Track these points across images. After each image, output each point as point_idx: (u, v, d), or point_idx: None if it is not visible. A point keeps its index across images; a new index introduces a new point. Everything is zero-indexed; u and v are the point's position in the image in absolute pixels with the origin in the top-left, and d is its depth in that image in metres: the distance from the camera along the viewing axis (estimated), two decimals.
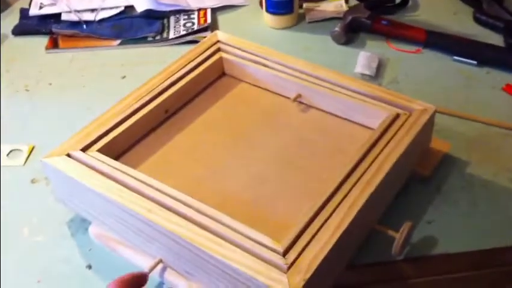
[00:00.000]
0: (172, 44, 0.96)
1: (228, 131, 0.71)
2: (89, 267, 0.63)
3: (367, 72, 0.87)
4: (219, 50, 0.79)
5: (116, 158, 0.67)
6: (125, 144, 0.68)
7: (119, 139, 0.67)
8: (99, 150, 0.64)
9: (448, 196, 0.69)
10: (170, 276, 0.60)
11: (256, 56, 0.77)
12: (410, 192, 0.69)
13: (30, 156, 0.77)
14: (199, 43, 0.80)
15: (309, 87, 0.73)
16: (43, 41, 0.98)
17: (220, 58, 0.78)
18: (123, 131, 0.67)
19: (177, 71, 0.75)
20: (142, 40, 0.97)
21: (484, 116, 0.80)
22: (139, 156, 0.68)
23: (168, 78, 0.74)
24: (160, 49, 0.95)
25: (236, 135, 0.71)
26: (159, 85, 0.73)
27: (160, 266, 0.60)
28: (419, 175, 0.70)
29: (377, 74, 0.88)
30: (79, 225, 0.67)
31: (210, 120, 0.73)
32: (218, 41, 0.80)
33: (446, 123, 0.79)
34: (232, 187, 0.64)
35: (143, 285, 0.57)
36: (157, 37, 0.97)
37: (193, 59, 0.77)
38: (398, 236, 0.60)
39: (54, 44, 0.97)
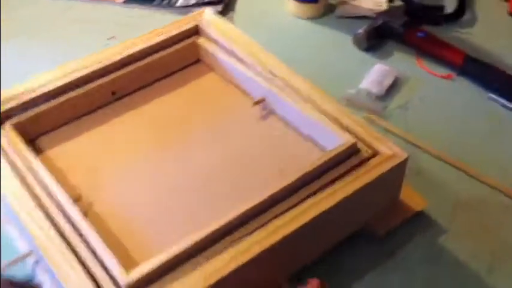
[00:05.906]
0: (178, 13, 0.86)
1: (167, 127, 0.62)
2: None
3: (373, 91, 0.72)
4: (197, 31, 0.69)
5: (35, 137, 0.60)
6: (49, 123, 0.61)
7: (44, 115, 0.60)
8: (15, 125, 0.58)
9: (403, 266, 0.55)
10: (40, 271, 0.53)
11: (232, 47, 0.66)
12: (355, 247, 0.55)
13: None
14: (181, 19, 0.70)
15: (274, 92, 0.61)
16: None
17: (194, 42, 0.68)
18: (52, 107, 0.60)
19: (136, 47, 0.65)
20: (149, 1, 0.88)
21: (499, 179, 0.62)
22: (57, 139, 0.60)
23: (123, 53, 0.64)
24: (164, 16, 0.86)
25: (173, 135, 0.61)
26: (109, 59, 0.64)
27: (32, 257, 0.53)
28: (372, 232, 0.56)
29: (387, 94, 0.73)
30: None
31: (155, 112, 0.64)
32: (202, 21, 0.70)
33: (447, 175, 0.63)
34: (130, 195, 0.55)
35: None
36: (165, 1, 0.88)
37: (166, 36, 0.67)
38: None
39: None
